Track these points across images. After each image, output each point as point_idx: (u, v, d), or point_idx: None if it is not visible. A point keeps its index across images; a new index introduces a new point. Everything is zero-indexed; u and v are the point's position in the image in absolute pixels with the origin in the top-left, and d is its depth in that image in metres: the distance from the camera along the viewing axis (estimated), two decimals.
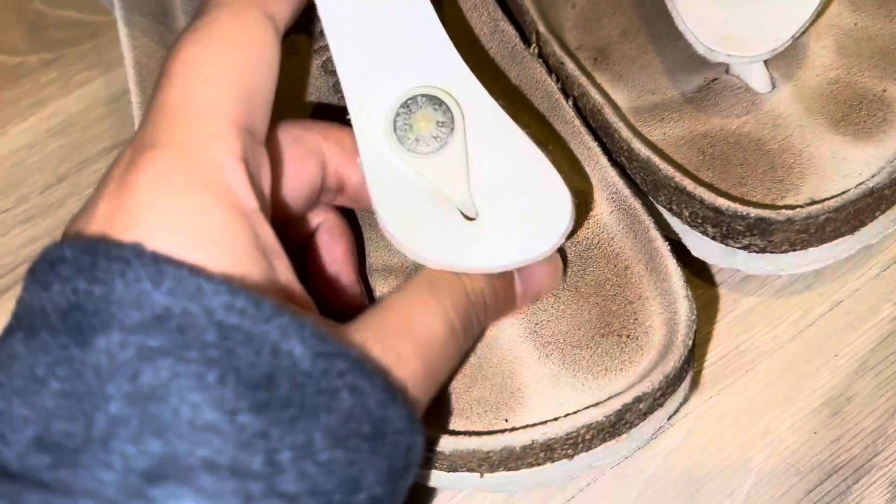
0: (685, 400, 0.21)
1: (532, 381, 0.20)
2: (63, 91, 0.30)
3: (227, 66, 0.17)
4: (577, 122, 0.23)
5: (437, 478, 0.20)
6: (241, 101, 0.17)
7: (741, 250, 0.22)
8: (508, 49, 0.25)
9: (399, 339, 0.17)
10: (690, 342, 0.20)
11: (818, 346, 0.23)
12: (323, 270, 0.21)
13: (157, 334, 0.15)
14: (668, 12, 0.23)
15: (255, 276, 0.16)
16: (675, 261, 0.21)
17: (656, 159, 0.22)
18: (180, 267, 0.15)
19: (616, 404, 0.19)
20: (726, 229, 0.21)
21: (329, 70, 0.25)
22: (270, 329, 0.15)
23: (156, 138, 0.17)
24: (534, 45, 0.25)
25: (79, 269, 0.15)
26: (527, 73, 0.24)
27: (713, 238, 0.22)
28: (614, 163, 0.23)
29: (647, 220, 0.21)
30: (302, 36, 0.26)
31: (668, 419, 0.21)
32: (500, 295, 0.20)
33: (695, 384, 0.23)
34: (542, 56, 0.25)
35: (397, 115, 0.20)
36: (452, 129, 0.20)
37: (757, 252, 0.22)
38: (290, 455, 0.15)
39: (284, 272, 0.17)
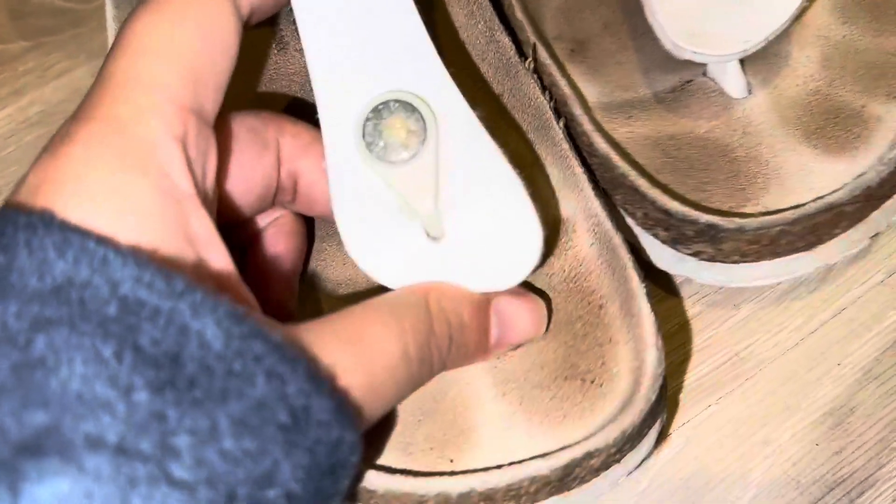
0: (648, 455, 0.20)
1: (485, 421, 0.19)
2: (41, 80, 0.29)
3: (178, 42, 0.17)
4: (566, 145, 0.22)
5: None
6: (189, 80, 0.17)
7: (691, 257, 0.21)
8: (503, 61, 0.24)
9: (344, 347, 0.16)
10: (654, 396, 0.18)
11: (821, 355, 0.22)
12: (260, 267, 0.20)
13: (55, 304, 0.14)
14: None
15: (172, 257, 0.15)
16: (649, 305, 0.19)
17: (614, 156, 0.21)
18: (87, 236, 0.14)
19: (563, 459, 0.18)
20: (676, 234, 0.21)
21: None
22: (180, 306, 0.14)
23: (94, 111, 0.16)
24: (530, 59, 0.24)
25: None
26: (520, 89, 0.23)
27: (664, 242, 0.21)
28: (600, 191, 0.22)
29: (626, 258, 0.20)
30: (291, 29, 0.25)
31: (628, 475, 0.19)
32: (470, 335, 0.18)
33: (662, 437, 0.21)
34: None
35: (367, 119, 0.19)
36: (424, 139, 0.19)
37: (706, 260, 0.21)
38: (189, 440, 0.14)
39: (220, 263, 0.16)
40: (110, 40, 0.25)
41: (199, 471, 0.14)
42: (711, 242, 0.20)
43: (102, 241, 0.14)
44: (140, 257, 0.14)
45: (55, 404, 0.13)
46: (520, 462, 0.18)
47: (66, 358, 0.14)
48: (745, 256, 0.20)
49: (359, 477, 0.18)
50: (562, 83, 0.23)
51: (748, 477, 0.21)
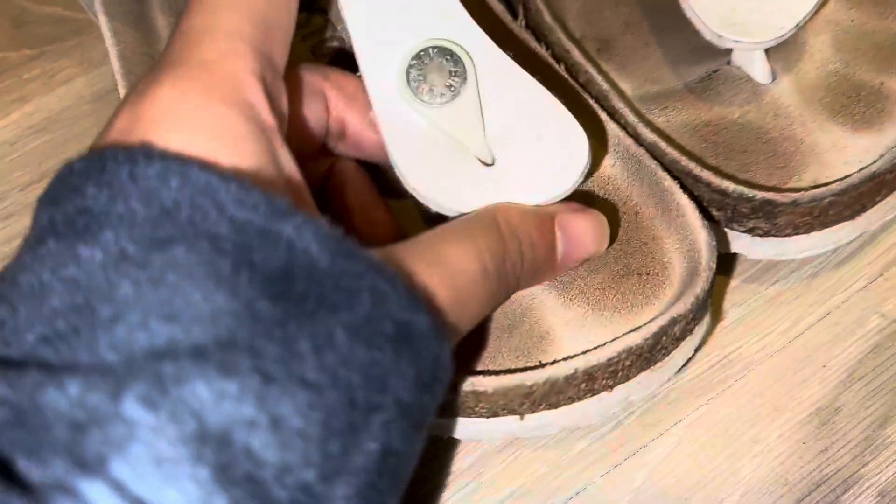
0: (709, 332, 0.22)
1: (560, 324, 0.20)
2: (46, 88, 0.29)
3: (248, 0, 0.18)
4: (573, 83, 0.24)
5: (476, 427, 0.20)
6: (262, 31, 0.18)
7: (745, 234, 0.22)
8: (498, 22, 0.25)
9: (429, 268, 0.17)
10: (714, 266, 0.20)
11: (807, 357, 0.23)
12: (349, 203, 0.21)
13: (168, 226, 0.15)
14: (668, 5, 0.24)
15: (271, 182, 0.16)
16: (686, 195, 0.21)
17: (662, 143, 0.22)
18: (189, 164, 0.15)
19: (654, 327, 0.19)
20: (731, 212, 0.22)
21: (319, 54, 0.25)
22: (285, 226, 0.15)
23: (177, 57, 0.17)
24: (521, 18, 0.26)
25: (88, 175, 0.15)
26: (518, 45, 0.25)
27: (718, 221, 0.22)
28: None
29: (653, 164, 0.22)
30: None
31: (695, 351, 0.21)
32: (539, 251, 0.19)
33: (716, 317, 0.23)
34: (530, 28, 0.26)
35: (410, 66, 0.21)
36: (465, 78, 0.21)
37: (760, 236, 0.22)
38: (310, 344, 0.14)
39: (304, 194, 0.17)
40: (109, 48, 0.25)
41: (322, 373, 0.14)
42: (767, 218, 0.21)
43: (204, 167, 0.15)
44: (242, 181, 0.15)
45: (182, 316, 0.14)
46: (614, 339, 0.19)
47: (185, 273, 0.14)
48: (797, 229, 0.22)
49: (448, 397, 0.19)
50: (598, 79, 0.24)
51: (738, 474, 0.22)
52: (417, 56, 0.21)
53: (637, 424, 0.22)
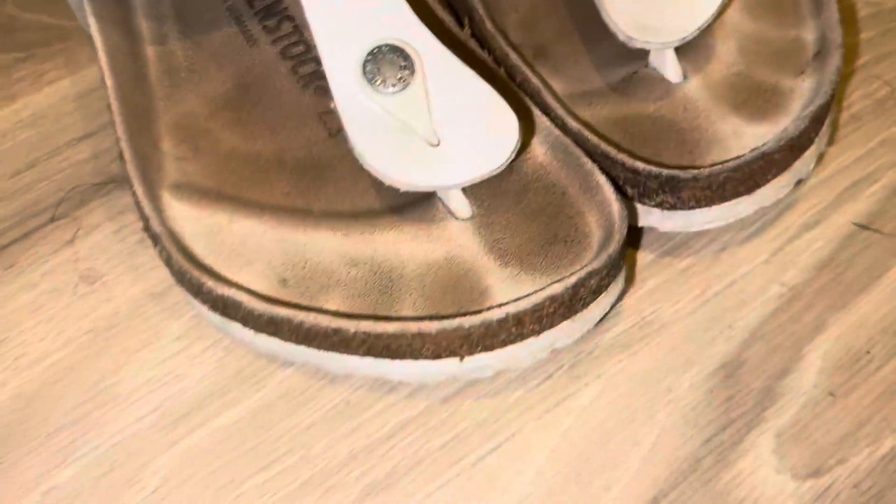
0: (622, 293, 0.25)
1: (497, 282, 0.23)
2: (33, 87, 0.32)
3: None
4: (511, 84, 0.27)
5: (421, 369, 0.23)
6: None
7: (655, 208, 0.25)
8: (446, 30, 0.28)
9: None
10: (625, 232, 0.23)
11: (715, 318, 0.26)
12: None
13: None
14: (595, 18, 0.27)
15: None
16: (604, 176, 0.24)
17: (585, 132, 0.26)
18: None
19: (573, 279, 0.22)
20: (643, 188, 0.25)
21: (287, 56, 0.28)
22: None
23: None
24: (466, 27, 0.29)
25: None
26: (463, 50, 0.28)
27: (631, 198, 0.25)
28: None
29: (577, 150, 0.25)
30: (257, 27, 0.29)
31: (611, 307, 0.24)
32: None
33: (629, 280, 0.27)
34: (475, 36, 0.29)
35: (366, 62, 0.24)
36: (413, 71, 0.24)
37: (668, 209, 0.25)
38: None
39: None
40: (98, 47, 0.28)
41: None
42: (672, 192, 0.25)
43: None
44: None
45: None
46: (540, 290, 0.22)
47: None
48: (699, 202, 0.25)
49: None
50: (533, 79, 0.27)
51: (654, 418, 0.25)
52: (372, 53, 0.24)
53: (565, 376, 0.25)
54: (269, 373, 0.25)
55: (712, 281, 0.27)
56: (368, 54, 0.24)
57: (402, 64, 0.24)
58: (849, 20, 0.30)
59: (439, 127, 0.24)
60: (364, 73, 0.24)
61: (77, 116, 0.31)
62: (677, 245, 0.28)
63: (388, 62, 0.24)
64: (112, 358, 0.26)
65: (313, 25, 0.24)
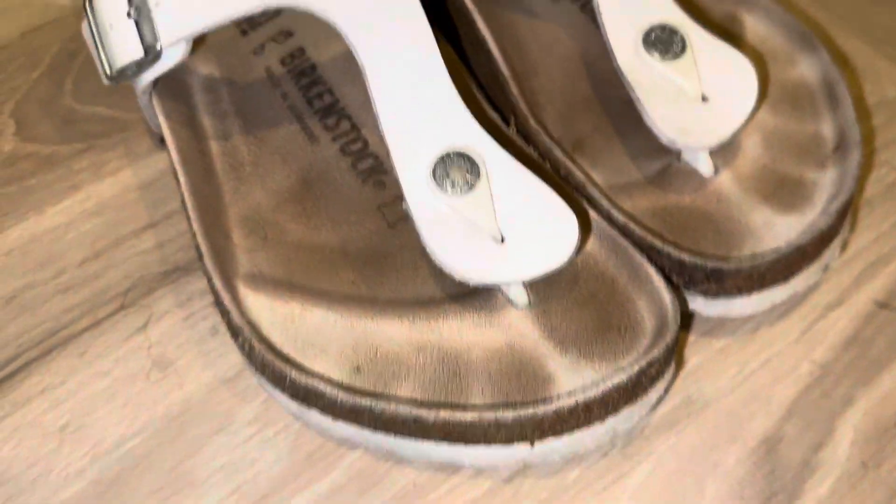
0: (675, 376, 0.27)
1: (559, 368, 0.25)
2: (96, 177, 0.34)
3: None
4: (557, 178, 0.29)
5: (494, 453, 0.24)
6: None
7: (699, 295, 0.27)
8: (494, 128, 0.31)
9: None
10: (679, 320, 0.25)
11: (753, 396, 0.28)
12: None
13: None
14: (628, 112, 0.30)
15: None
16: (653, 267, 0.26)
17: (631, 224, 0.28)
18: None
19: (636, 368, 0.24)
20: (688, 278, 0.27)
21: (347, 153, 0.30)
22: None
23: None
24: (512, 125, 0.31)
25: None
26: (512, 147, 0.30)
27: (677, 286, 0.28)
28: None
29: (624, 241, 0.27)
30: (319, 124, 0.31)
31: (665, 391, 0.26)
32: None
33: (679, 364, 0.28)
34: (520, 132, 0.31)
35: (435, 166, 0.26)
36: (479, 174, 0.26)
37: (712, 297, 0.27)
38: None
39: None
40: (168, 144, 0.30)
41: None
42: (716, 282, 0.27)
43: None
44: None
45: None
46: (604, 379, 0.24)
47: None
48: (741, 291, 0.27)
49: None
50: (577, 172, 0.29)
51: (704, 492, 0.26)
52: (441, 158, 0.26)
53: (619, 455, 0.27)
54: (339, 455, 0.27)
55: (749, 359, 0.29)
56: (438, 159, 0.26)
57: (468, 168, 0.26)
58: (856, 108, 0.32)
59: (503, 225, 0.26)
60: (434, 176, 0.26)
61: (140, 206, 0.33)
62: (714, 326, 0.30)
63: (455, 166, 0.26)
64: (187, 443, 0.27)
65: (387, 135, 0.26)
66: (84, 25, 0.29)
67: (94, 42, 0.28)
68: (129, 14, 0.27)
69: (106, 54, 0.28)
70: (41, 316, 0.30)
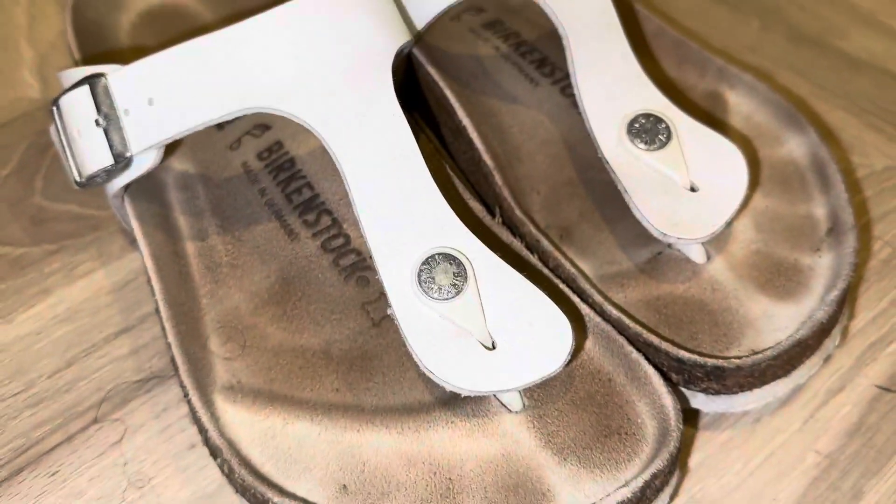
0: (680, 481, 0.26)
1: (558, 481, 0.24)
2: (67, 280, 0.32)
3: None
4: (545, 270, 0.28)
5: None
6: None
7: (700, 393, 0.26)
8: (479, 221, 0.30)
9: None
10: (682, 426, 0.24)
11: (759, 492, 0.27)
12: None
13: None
14: (615, 198, 0.29)
15: None
16: (651, 366, 0.25)
17: (626, 319, 0.27)
18: None
19: (640, 482, 0.23)
20: (688, 376, 0.26)
21: (328, 249, 0.29)
22: None
23: None
24: (497, 216, 0.30)
25: None
26: (498, 240, 0.29)
27: (676, 383, 0.27)
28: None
29: (620, 338, 0.26)
30: (299, 220, 0.30)
31: (671, 499, 0.25)
32: None
33: (682, 467, 0.27)
34: (505, 224, 0.30)
35: (420, 271, 0.25)
36: (466, 278, 0.25)
37: (713, 394, 0.26)
38: None
39: None
40: (142, 248, 0.29)
41: None
42: (717, 380, 0.26)
43: None
44: None
45: None
46: (608, 495, 0.23)
47: None
48: (742, 387, 0.26)
49: None
50: (566, 265, 0.28)
51: None
52: (426, 261, 0.25)
53: None
54: None
55: (752, 454, 0.28)
56: (423, 263, 0.25)
57: (455, 271, 0.25)
58: (846, 182, 0.32)
59: (494, 330, 0.25)
60: (419, 282, 0.25)
61: (114, 309, 0.31)
62: (714, 419, 0.28)
63: (441, 270, 0.25)
64: None
65: (368, 238, 0.25)
66: (52, 129, 0.28)
67: (62, 147, 0.27)
68: (97, 122, 0.26)
69: (75, 161, 0.27)
70: (10, 433, 0.29)
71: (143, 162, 0.26)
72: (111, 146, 0.26)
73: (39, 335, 0.31)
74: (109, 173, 0.26)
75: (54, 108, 0.27)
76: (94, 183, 0.27)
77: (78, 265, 0.33)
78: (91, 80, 0.26)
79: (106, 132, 0.26)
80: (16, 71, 0.40)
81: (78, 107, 0.26)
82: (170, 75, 0.25)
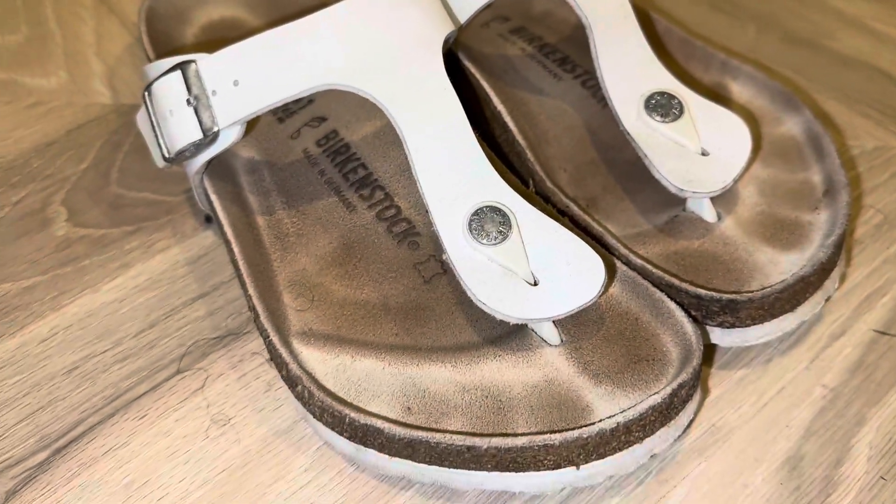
0: (701, 402, 0.29)
1: (595, 398, 0.27)
2: (145, 255, 0.36)
3: None
4: (576, 230, 0.32)
5: (542, 479, 0.26)
6: None
7: (716, 327, 0.30)
8: (517, 189, 0.33)
9: None
10: (702, 346, 0.28)
11: (773, 420, 0.30)
12: None
13: None
14: (632, 173, 0.33)
15: None
16: (673, 302, 0.29)
17: (649, 267, 0.30)
18: None
19: (669, 389, 0.26)
20: (705, 311, 0.30)
21: (382, 218, 0.33)
22: None
23: None
24: (531, 186, 0.34)
25: None
26: (532, 199, 0.33)
27: (696, 319, 0.30)
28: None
29: (644, 282, 0.30)
30: (356, 195, 0.34)
31: (695, 414, 0.28)
32: None
33: (704, 392, 0.31)
34: (538, 193, 0.34)
35: (471, 220, 0.29)
36: (510, 226, 0.29)
37: (728, 327, 0.30)
38: None
39: None
40: (221, 219, 0.33)
41: None
42: (731, 313, 0.29)
43: None
44: None
45: None
46: (642, 401, 0.26)
47: None
48: (754, 320, 0.30)
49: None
50: (594, 225, 0.32)
51: None
52: (475, 213, 0.29)
53: (654, 482, 0.29)
54: (393, 496, 0.29)
55: (765, 388, 0.31)
56: (472, 214, 0.29)
57: (501, 220, 0.29)
58: (840, 159, 0.36)
59: (536, 269, 0.28)
60: (470, 229, 0.29)
61: (190, 279, 0.35)
62: (731, 359, 0.32)
63: (489, 219, 0.29)
64: (248, 494, 0.29)
65: (426, 195, 0.29)
66: (140, 114, 0.32)
67: (153, 127, 0.31)
68: (188, 101, 0.30)
69: (165, 138, 0.31)
70: (101, 384, 0.32)
71: (227, 137, 0.30)
72: (200, 122, 0.30)
73: (123, 302, 0.35)
74: (198, 147, 0.30)
75: (145, 94, 0.31)
76: (182, 157, 0.31)
77: (155, 242, 0.36)
78: (182, 66, 0.30)
79: (196, 110, 0.30)
80: (88, 81, 0.44)
81: (170, 89, 0.30)
82: (253, 60, 0.29)
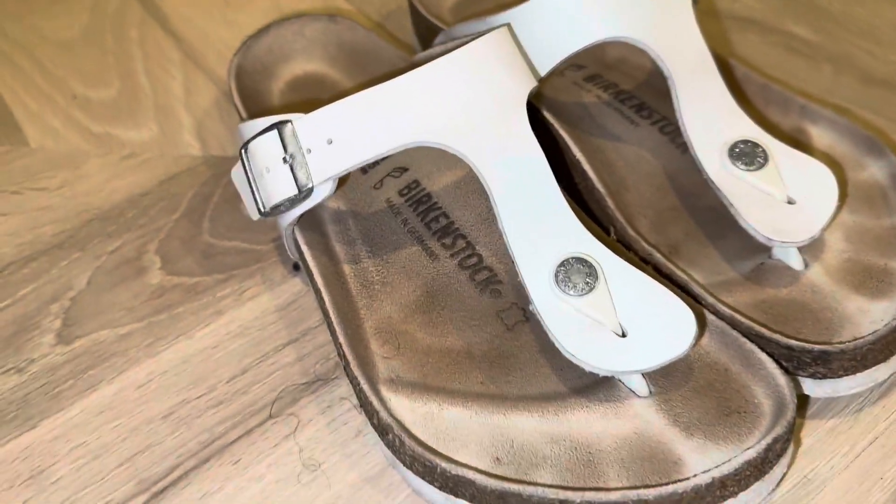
0: (794, 454, 0.29)
1: (687, 452, 0.27)
2: (237, 302, 0.37)
3: None
4: (661, 278, 0.32)
5: None
6: None
7: (808, 378, 0.30)
8: (599, 237, 0.34)
9: None
10: (795, 399, 0.28)
11: (866, 472, 0.30)
12: None
13: None
14: (716, 221, 0.33)
15: None
16: (764, 353, 0.29)
17: (738, 316, 0.30)
18: None
19: (764, 444, 0.26)
20: (797, 362, 0.29)
21: (464, 267, 0.34)
22: None
23: None
24: (612, 233, 0.35)
25: None
26: (616, 248, 0.33)
27: (787, 370, 0.30)
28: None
29: (735, 333, 0.29)
30: (438, 244, 0.35)
31: (788, 467, 0.28)
32: None
33: (796, 443, 0.30)
34: (620, 241, 0.34)
35: (557, 272, 0.29)
36: (597, 277, 0.29)
37: (820, 378, 0.30)
38: None
39: None
40: (312, 268, 0.34)
41: None
42: (823, 364, 0.29)
43: None
44: None
45: None
46: (736, 456, 0.26)
47: None
48: (846, 371, 0.30)
49: None
50: (678, 272, 0.32)
51: None
52: (562, 264, 0.29)
53: None
54: None
55: (857, 438, 0.31)
56: (559, 265, 0.29)
57: (587, 271, 0.29)
58: None
59: (624, 321, 0.29)
60: (556, 281, 0.29)
61: (280, 325, 0.36)
62: (821, 408, 0.32)
63: (575, 271, 0.29)
64: None
65: (513, 247, 0.30)
66: (236, 169, 0.34)
67: (249, 183, 0.33)
68: (284, 160, 0.31)
69: (261, 193, 0.32)
70: (196, 429, 0.33)
71: (321, 192, 0.32)
72: (296, 179, 0.31)
73: (216, 348, 0.36)
74: (293, 202, 0.32)
75: (242, 151, 0.33)
76: (277, 211, 0.32)
77: (246, 290, 0.38)
78: (279, 126, 0.31)
79: (292, 168, 0.31)
80: (178, 134, 0.46)
81: (267, 148, 0.32)
82: (346, 120, 0.31)
